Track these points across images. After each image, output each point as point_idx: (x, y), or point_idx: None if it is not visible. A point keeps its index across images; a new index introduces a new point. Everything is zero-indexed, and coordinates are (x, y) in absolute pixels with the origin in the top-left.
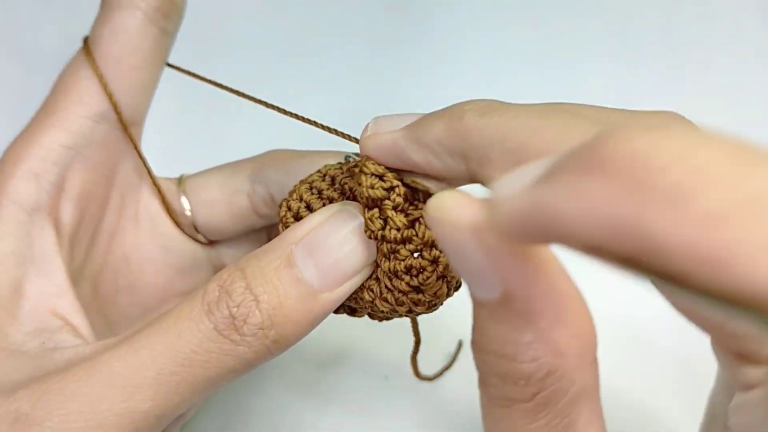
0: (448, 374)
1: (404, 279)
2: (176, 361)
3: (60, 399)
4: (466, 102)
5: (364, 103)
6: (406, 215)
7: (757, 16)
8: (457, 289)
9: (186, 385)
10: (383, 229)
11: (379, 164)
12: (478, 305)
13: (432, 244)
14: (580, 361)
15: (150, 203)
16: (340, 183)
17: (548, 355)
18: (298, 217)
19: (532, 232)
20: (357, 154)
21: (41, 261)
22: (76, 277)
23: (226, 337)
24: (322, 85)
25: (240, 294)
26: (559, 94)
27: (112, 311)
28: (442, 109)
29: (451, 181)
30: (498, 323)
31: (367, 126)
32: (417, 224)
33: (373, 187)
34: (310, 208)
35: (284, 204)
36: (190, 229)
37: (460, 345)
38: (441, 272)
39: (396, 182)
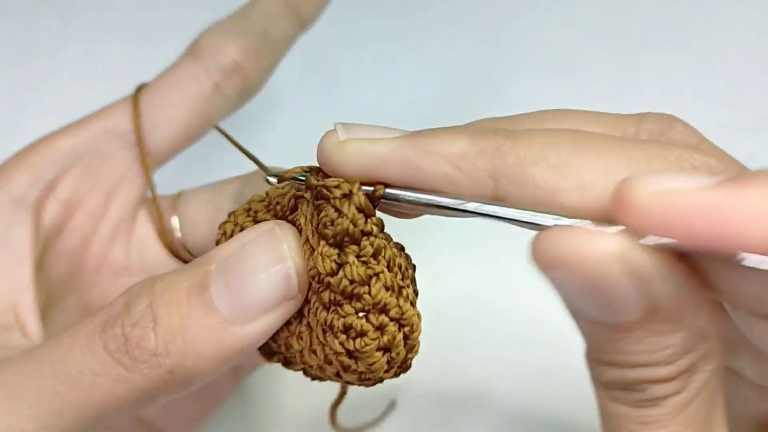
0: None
1: (339, 338)
2: (60, 381)
3: None
4: (485, 120)
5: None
6: (368, 267)
7: (758, 17)
8: (403, 371)
9: (70, 411)
10: (332, 275)
11: (360, 184)
12: (609, 329)
13: (383, 309)
14: (718, 336)
15: (145, 226)
16: (274, 202)
17: (699, 341)
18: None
19: (702, 236)
20: (308, 169)
21: (13, 250)
22: (49, 279)
23: (115, 360)
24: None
25: (139, 312)
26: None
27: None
28: (458, 126)
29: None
30: (643, 337)
31: (331, 133)
32: (374, 280)
33: (355, 224)
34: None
35: (221, 226)
36: (182, 250)
37: (392, 405)
38: (385, 343)
39: (377, 225)
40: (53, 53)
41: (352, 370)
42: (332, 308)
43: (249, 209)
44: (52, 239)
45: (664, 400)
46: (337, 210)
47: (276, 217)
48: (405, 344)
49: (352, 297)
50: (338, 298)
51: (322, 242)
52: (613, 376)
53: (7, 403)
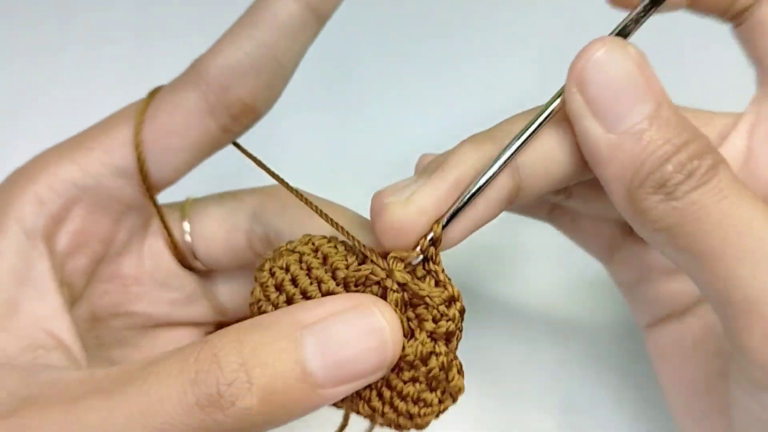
0: None
1: (408, 405)
2: (149, 428)
3: None
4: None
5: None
6: (452, 357)
7: None
8: None
9: None
10: (423, 359)
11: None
12: (633, 133)
13: (450, 389)
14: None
15: (154, 242)
16: (332, 266)
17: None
18: (281, 288)
19: None
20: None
21: (37, 283)
22: (71, 302)
23: (208, 415)
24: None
25: (233, 371)
26: None
27: (104, 333)
28: (452, 149)
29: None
30: (666, 122)
31: (380, 200)
32: (453, 367)
33: (457, 325)
34: (295, 283)
35: (267, 266)
36: (190, 257)
37: None
38: (440, 411)
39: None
40: (54, 53)
41: (401, 424)
42: (409, 382)
43: (300, 260)
44: (69, 267)
45: (719, 166)
46: (440, 313)
47: (334, 279)
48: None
49: (431, 380)
50: (418, 376)
51: (423, 334)
52: (670, 169)
53: None
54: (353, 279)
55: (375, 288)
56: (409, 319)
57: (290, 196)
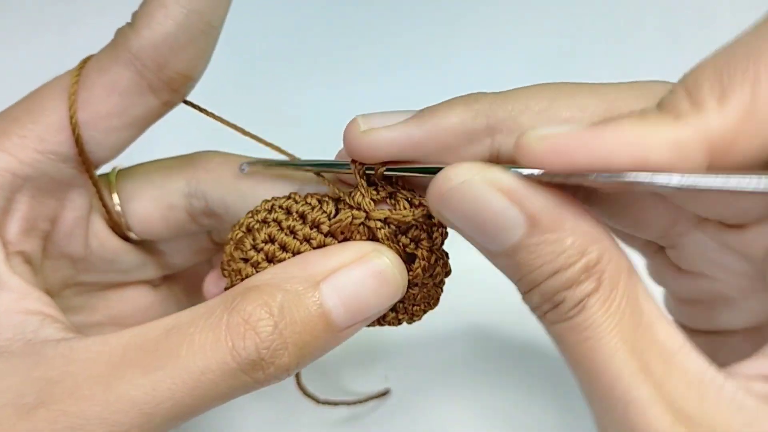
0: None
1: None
2: (195, 395)
3: (80, 423)
4: (470, 94)
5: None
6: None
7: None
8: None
9: (198, 412)
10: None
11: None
12: (507, 254)
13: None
14: (614, 242)
15: (98, 222)
16: (315, 222)
17: (590, 243)
18: (273, 258)
19: (577, 163)
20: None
21: None
22: (33, 278)
23: (250, 376)
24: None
25: (269, 335)
26: None
27: (58, 302)
28: (447, 101)
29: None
30: (535, 249)
31: (354, 124)
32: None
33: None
34: (286, 248)
35: (248, 244)
36: (127, 231)
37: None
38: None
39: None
40: (55, 54)
41: (415, 317)
42: (419, 292)
43: (281, 227)
44: (19, 248)
45: (586, 302)
46: (429, 227)
47: (320, 232)
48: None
49: (435, 278)
50: (427, 283)
51: (422, 251)
52: (537, 297)
53: (142, 416)
54: (338, 228)
55: (361, 228)
56: (404, 246)
57: (222, 165)
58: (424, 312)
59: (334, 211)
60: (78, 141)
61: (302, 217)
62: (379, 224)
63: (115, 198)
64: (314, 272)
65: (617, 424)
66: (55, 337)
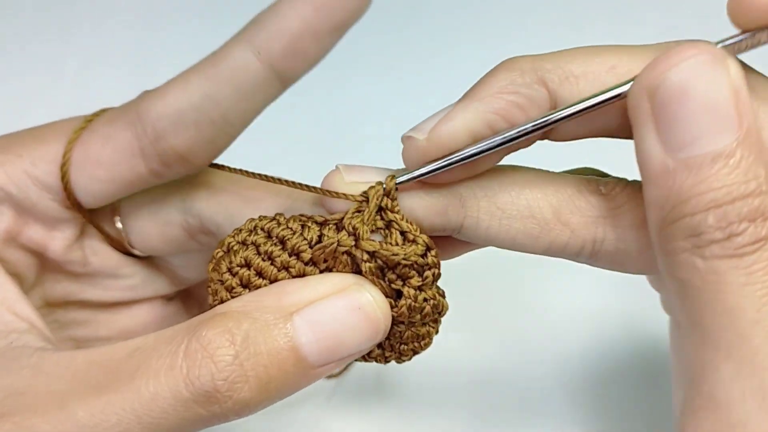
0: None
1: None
2: (143, 423)
3: None
4: (502, 61)
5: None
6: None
7: None
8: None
9: None
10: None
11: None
12: (699, 162)
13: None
14: None
15: (94, 241)
16: (294, 249)
17: None
18: (248, 285)
19: None
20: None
21: None
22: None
23: (205, 408)
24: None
25: (227, 365)
26: None
27: (61, 316)
28: (482, 77)
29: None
30: (736, 164)
31: (334, 173)
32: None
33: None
34: (262, 275)
35: (224, 266)
36: (131, 249)
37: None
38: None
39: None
40: (55, 56)
41: (404, 357)
42: (407, 330)
43: (258, 251)
44: (3, 255)
45: (766, 243)
46: (421, 266)
47: (299, 259)
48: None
49: (425, 318)
50: (414, 322)
51: (409, 290)
52: (712, 220)
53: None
54: (321, 255)
55: (344, 258)
56: (390, 281)
57: (218, 178)
58: (414, 352)
59: (316, 238)
60: (64, 176)
61: (282, 242)
62: (365, 256)
63: (117, 222)
64: (288, 302)
65: (742, 390)
66: (35, 345)
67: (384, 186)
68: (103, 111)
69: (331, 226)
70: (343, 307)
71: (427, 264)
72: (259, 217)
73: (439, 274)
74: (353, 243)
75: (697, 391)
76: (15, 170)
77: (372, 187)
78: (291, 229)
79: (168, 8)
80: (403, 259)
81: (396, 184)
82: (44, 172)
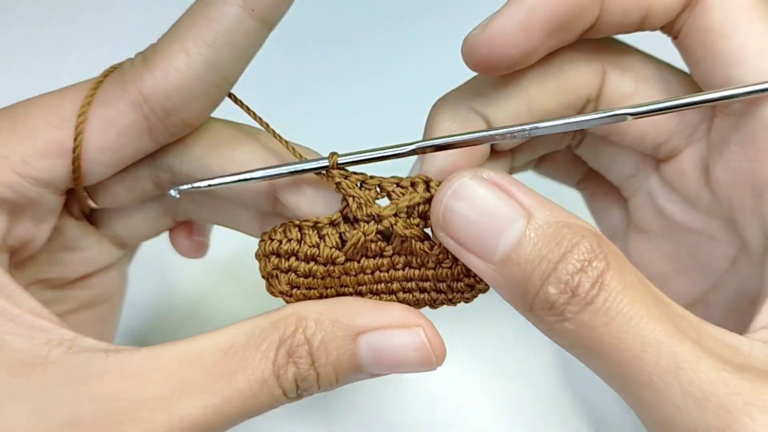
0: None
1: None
2: (243, 414)
3: None
4: None
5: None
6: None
7: None
8: None
9: (221, 419)
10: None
11: None
12: (510, 255)
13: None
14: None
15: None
16: (329, 258)
17: (583, 227)
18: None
19: None
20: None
21: (5, 288)
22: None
23: (288, 397)
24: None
25: (306, 370)
26: None
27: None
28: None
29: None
30: (539, 237)
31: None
32: None
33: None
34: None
35: (266, 250)
36: (86, 201)
37: None
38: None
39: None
40: (56, 56)
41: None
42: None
43: (284, 268)
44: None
45: (603, 278)
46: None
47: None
48: None
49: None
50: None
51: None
52: (553, 290)
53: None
54: (353, 252)
55: (374, 238)
56: (418, 224)
57: (192, 137)
58: (472, 288)
59: (338, 239)
60: (78, 179)
61: (313, 259)
62: (392, 220)
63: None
64: (358, 323)
65: (672, 398)
66: (99, 347)
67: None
68: (95, 89)
69: (339, 222)
70: (402, 341)
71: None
72: (266, 245)
73: None
74: (375, 228)
75: (648, 425)
76: (5, 174)
77: (340, 178)
78: (314, 245)
79: (168, 6)
80: (419, 198)
81: (337, 158)
82: (39, 168)
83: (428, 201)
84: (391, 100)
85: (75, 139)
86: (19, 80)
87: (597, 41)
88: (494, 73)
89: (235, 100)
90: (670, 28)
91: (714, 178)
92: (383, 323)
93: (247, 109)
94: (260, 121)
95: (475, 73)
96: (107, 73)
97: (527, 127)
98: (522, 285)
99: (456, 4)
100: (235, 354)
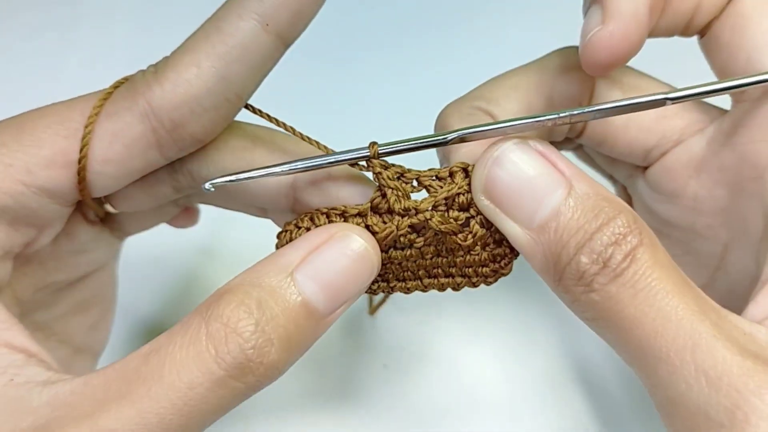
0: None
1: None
2: (185, 414)
3: None
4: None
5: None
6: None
7: None
8: None
9: (194, 430)
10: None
11: None
12: (548, 223)
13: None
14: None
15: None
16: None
17: (620, 203)
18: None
19: None
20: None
21: None
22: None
23: (241, 381)
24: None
25: (252, 334)
26: None
27: (27, 306)
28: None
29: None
30: (578, 207)
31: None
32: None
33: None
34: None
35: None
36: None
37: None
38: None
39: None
40: (55, 55)
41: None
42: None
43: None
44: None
45: (635, 252)
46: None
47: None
48: None
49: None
50: (488, 242)
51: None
52: (585, 259)
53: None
54: (384, 242)
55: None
56: (456, 219)
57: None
58: (496, 273)
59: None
60: (83, 189)
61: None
62: (428, 214)
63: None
64: (285, 263)
65: (685, 375)
66: (40, 378)
67: (384, 164)
68: (103, 100)
69: (367, 214)
70: (336, 251)
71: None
72: (292, 233)
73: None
74: (408, 222)
75: (658, 400)
76: (9, 183)
77: (381, 168)
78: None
79: (168, 8)
80: (458, 188)
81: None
82: (44, 177)
83: (468, 191)
84: (402, 108)
85: (81, 150)
86: (18, 89)
87: None
88: (613, 69)
89: (254, 110)
90: (707, 25)
91: (710, 169)
92: (308, 249)
93: (269, 117)
94: (284, 125)
95: (470, 85)
96: (117, 85)
97: (568, 113)
98: (556, 253)
99: (454, 20)
100: (158, 352)
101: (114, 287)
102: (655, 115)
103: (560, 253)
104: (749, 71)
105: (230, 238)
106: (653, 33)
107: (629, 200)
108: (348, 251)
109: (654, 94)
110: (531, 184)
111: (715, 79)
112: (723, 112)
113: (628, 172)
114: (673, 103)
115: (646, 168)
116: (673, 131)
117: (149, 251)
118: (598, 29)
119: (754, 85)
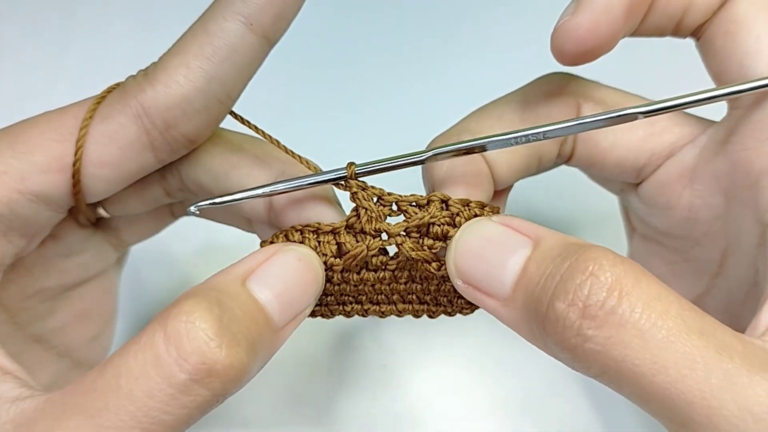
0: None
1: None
2: (146, 426)
3: None
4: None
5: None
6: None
7: None
8: None
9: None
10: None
11: None
12: (520, 282)
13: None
14: None
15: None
16: (327, 265)
17: (579, 242)
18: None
19: None
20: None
21: None
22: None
23: (205, 386)
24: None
25: (218, 330)
26: None
27: (20, 316)
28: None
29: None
30: (545, 257)
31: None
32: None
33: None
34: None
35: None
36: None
37: None
38: None
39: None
40: (55, 54)
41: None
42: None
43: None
44: None
45: (619, 283)
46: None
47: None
48: None
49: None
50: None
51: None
52: (562, 308)
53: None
54: (352, 263)
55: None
56: (430, 247)
57: (202, 146)
58: (470, 304)
59: (336, 248)
60: (78, 193)
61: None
62: (400, 239)
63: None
64: (239, 272)
65: (727, 415)
66: (10, 395)
67: (361, 185)
68: (97, 104)
69: (341, 232)
70: (284, 262)
71: (456, 212)
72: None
73: (476, 214)
74: (379, 243)
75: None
76: (2, 190)
77: (357, 189)
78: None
79: (168, 8)
80: (430, 217)
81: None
82: (38, 183)
83: (449, 222)
84: (392, 124)
85: (75, 154)
86: (13, 91)
87: (569, 79)
88: (581, 61)
89: (239, 118)
90: (700, 27)
91: (704, 177)
92: (259, 260)
93: (256, 128)
94: (269, 137)
95: (459, 101)
96: (110, 89)
97: (538, 130)
98: (533, 311)
99: (449, 30)
100: (113, 362)
101: (115, 298)
102: (643, 133)
103: (536, 309)
104: (742, 78)
105: (229, 241)
106: (641, 32)
107: (625, 210)
108: (295, 261)
109: (625, 109)
110: (494, 250)
111: (713, 84)
112: (712, 123)
113: (620, 187)
114: (645, 117)
115: (638, 184)
116: (662, 148)
117: (148, 254)
118: (567, 18)
119: (726, 97)
